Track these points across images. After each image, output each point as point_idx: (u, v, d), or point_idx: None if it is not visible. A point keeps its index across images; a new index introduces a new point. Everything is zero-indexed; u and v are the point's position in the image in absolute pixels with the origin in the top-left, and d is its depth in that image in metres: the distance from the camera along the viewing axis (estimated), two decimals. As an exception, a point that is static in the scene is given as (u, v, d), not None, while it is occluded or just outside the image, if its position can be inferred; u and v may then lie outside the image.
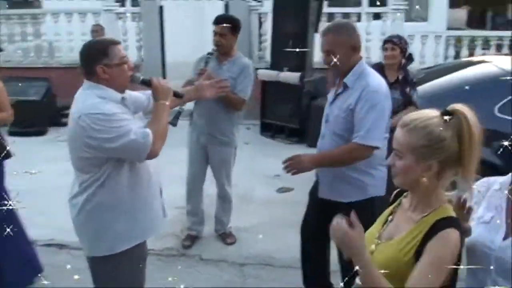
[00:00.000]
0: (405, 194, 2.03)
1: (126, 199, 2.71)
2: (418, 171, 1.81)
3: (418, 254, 1.79)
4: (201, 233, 4.90)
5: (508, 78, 5.36)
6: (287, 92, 8.14)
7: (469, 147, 1.81)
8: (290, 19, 8.05)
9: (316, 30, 8.44)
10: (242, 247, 4.83)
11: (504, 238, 1.89)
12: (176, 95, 2.91)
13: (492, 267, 1.86)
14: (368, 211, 3.35)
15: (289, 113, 8.26)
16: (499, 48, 9.25)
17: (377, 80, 3.24)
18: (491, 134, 5.46)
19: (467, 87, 5.40)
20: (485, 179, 2.06)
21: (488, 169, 5.01)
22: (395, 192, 2.10)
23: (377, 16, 9.69)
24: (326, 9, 9.00)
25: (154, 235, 2.97)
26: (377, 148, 3.16)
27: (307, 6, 7.93)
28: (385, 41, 5.01)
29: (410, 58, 5.11)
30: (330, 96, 3.42)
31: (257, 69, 7.51)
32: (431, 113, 1.85)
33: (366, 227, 3.42)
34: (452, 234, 1.77)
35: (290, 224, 5.36)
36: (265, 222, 5.35)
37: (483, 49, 9.20)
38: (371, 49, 9.19)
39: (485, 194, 2.01)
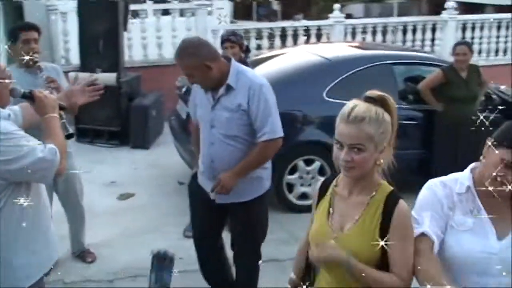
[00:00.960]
0: (334, 183, 2.11)
1: (26, 230, 2.39)
2: (376, 157, 1.94)
3: (382, 231, 1.92)
4: (57, 258, 4.47)
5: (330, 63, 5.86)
6: (104, 94, 7.75)
7: (395, 127, 1.98)
8: (98, 19, 7.68)
9: (125, 29, 8.20)
10: (104, 263, 4.54)
11: (499, 238, 1.96)
12: (61, 107, 2.64)
13: (497, 269, 1.93)
14: (264, 204, 3.44)
15: (107, 116, 7.90)
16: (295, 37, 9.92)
17: (255, 74, 3.34)
18: (324, 118, 5.94)
19: (297, 76, 5.78)
20: (435, 182, 2.09)
21: (324, 149, 5.46)
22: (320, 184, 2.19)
23: (166, 12, 9.64)
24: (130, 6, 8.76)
25: (52, 265, 2.68)
26: (283, 137, 3.28)
27: (115, 5, 7.64)
28: (223, 40, 5.05)
29: (247, 50, 5.26)
30: (206, 100, 3.33)
31: (65, 72, 7.00)
32: (362, 102, 1.95)
33: (265, 218, 3.49)
34: (404, 204, 1.94)
35: (144, 230, 5.20)
36: (119, 233, 5.09)
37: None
38: (178, 45, 9.23)
39: (452, 199, 2.03)
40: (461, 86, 5.62)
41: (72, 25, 8.36)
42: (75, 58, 8.52)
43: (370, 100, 1.95)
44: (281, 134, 3.26)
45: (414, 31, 10.50)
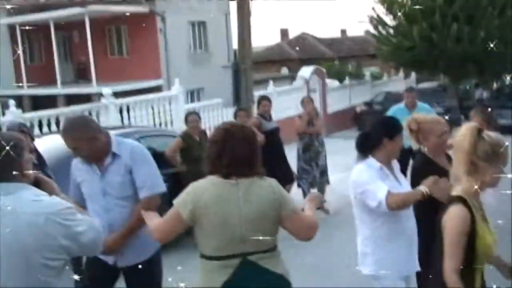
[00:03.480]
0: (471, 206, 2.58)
1: None
2: None
3: None
4: None
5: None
6: None
7: None
8: None
9: None
10: None
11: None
12: None
13: None
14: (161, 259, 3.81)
15: None
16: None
17: (131, 140, 3.82)
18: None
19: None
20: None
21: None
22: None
23: None
24: None
25: None
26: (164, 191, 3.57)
27: None
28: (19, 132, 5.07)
29: (33, 139, 5.39)
30: (92, 173, 3.54)
31: None
32: None
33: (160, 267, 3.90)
34: None
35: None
36: None
37: None
38: None
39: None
40: (197, 147, 6.90)
41: None
42: None
43: None
44: (162, 189, 3.55)
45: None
